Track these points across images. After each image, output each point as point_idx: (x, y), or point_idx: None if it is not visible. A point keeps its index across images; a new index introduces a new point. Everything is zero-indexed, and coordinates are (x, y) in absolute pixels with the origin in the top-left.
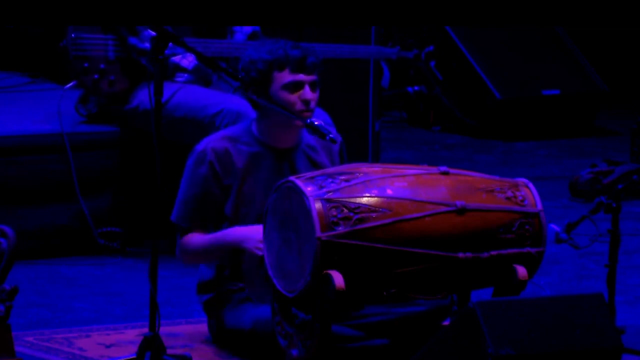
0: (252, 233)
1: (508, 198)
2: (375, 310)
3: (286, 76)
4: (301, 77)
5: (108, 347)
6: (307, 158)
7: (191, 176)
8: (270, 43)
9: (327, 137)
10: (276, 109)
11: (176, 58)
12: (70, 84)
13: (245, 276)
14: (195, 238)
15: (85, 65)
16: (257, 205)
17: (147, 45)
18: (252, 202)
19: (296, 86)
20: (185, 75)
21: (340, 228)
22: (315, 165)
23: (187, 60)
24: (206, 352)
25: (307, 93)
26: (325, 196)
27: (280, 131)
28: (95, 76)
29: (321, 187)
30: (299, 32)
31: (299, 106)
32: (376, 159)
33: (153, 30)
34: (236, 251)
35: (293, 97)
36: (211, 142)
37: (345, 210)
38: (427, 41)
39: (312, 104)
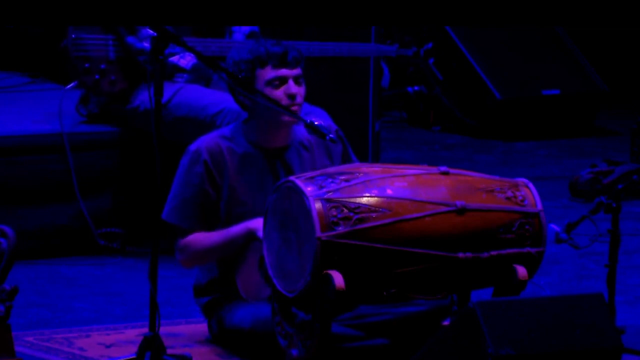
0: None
1: (508, 198)
2: (375, 310)
3: (268, 72)
4: (284, 72)
5: (108, 347)
6: (300, 157)
7: (187, 176)
8: (251, 44)
9: (327, 137)
10: (267, 104)
11: (174, 58)
12: (71, 84)
13: (243, 272)
14: (201, 237)
15: (86, 65)
16: (249, 206)
17: (145, 44)
18: (245, 202)
19: (280, 81)
20: (185, 75)
21: (340, 228)
22: (309, 164)
23: (185, 60)
24: (206, 352)
25: (292, 87)
26: (325, 196)
27: (270, 130)
28: (97, 76)
29: (321, 187)
30: (299, 31)
31: (285, 101)
32: (376, 159)
33: (153, 30)
34: (245, 245)
35: (278, 93)
36: (205, 141)
37: (345, 210)
38: (426, 39)
39: (299, 98)
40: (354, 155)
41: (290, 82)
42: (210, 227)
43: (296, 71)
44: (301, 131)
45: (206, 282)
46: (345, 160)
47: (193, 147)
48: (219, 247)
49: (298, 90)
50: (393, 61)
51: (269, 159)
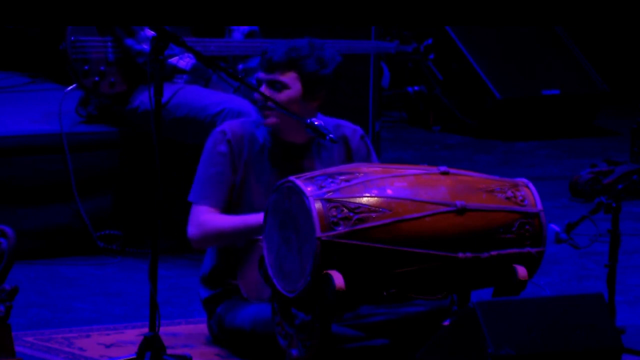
0: None
1: (508, 198)
2: (375, 310)
3: (258, 72)
4: (261, 75)
5: (108, 347)
6: (319, 157)
7: (210, 155)
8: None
9: (327, 137)
10: (279, 109)
11: (173, 60)
12: (72, 86)
13: (246, 271)
14: (219, 218)
15: (86, 67)
16: (260, 196)
17: (144, 46)
18: (256, 192)
19: (259, 83)
20: (184, 76)
21: (340, 228)
22: (327, 164)
23: (184, 62)
24: (206, 352)
25: (263, 90)
26: (325, 196)
27: (285, 127)
28: (96, 78)
29: (321, 187)
30: (298, 29)
31: (259, 103)
32: None
33: (153, 31)
34: (249, 243)
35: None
36: (231, 124)
37: (345, 210)
38: (425, 35)
39: (270, 103)
40: (378, 160)
41: (263, 85)
42: (227, 210)
43: (271, 76)
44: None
45: (210, 271)
46: None
47: (219, 128)
48: (235, 232)
49: (268, 94)
50: (393, 61)
51: (286, 155)
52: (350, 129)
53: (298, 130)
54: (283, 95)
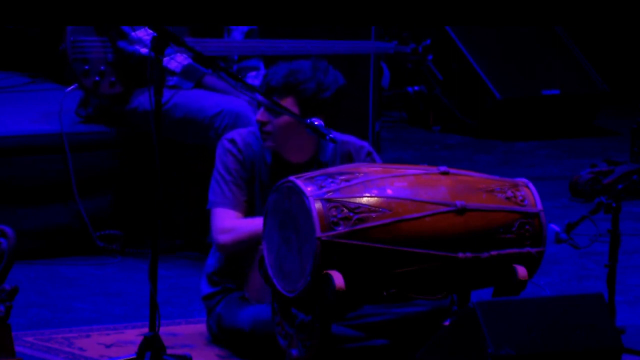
0: None
1: (508, 198)
2: (375, 310)
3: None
4: (258, 96)
5: (108, 347)
6: None
7: (224, 161)
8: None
9: (327, 137)
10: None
11: (163, 61)
12: (72, 87)
13: (251, 275)
14: (244, 222)
15: (86, 67)
16: (259, 209)
17: (136, 47)
18: (253, 205)
19: (258, 105)
20: (175, 78)
21: (340, 228)
22: None
23: (176, 62)
24: (206, 352)
25: (257, 113)
26: (325, 196)
27: (287, 143)
28: (96, 78)
29: (321, 187)
30: (298, 29)
31: (259, 125)
32: None
33: (153, 31)
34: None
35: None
36: (241, 132)
37: (345, 210)
38: (423, 35)
39: (265, 127)
40: None
41: (262, 109)
42: (247, 213)
43: (266, 100)
44: (329, 151)
45: (213, 271)
46: None
47: (229, 136)
48: (249, 235)
49: (261, 117)
50: (393, 61)
51: (285, 173)
52: (356, 146)
53: (299, 150)
54: (281, 120)
